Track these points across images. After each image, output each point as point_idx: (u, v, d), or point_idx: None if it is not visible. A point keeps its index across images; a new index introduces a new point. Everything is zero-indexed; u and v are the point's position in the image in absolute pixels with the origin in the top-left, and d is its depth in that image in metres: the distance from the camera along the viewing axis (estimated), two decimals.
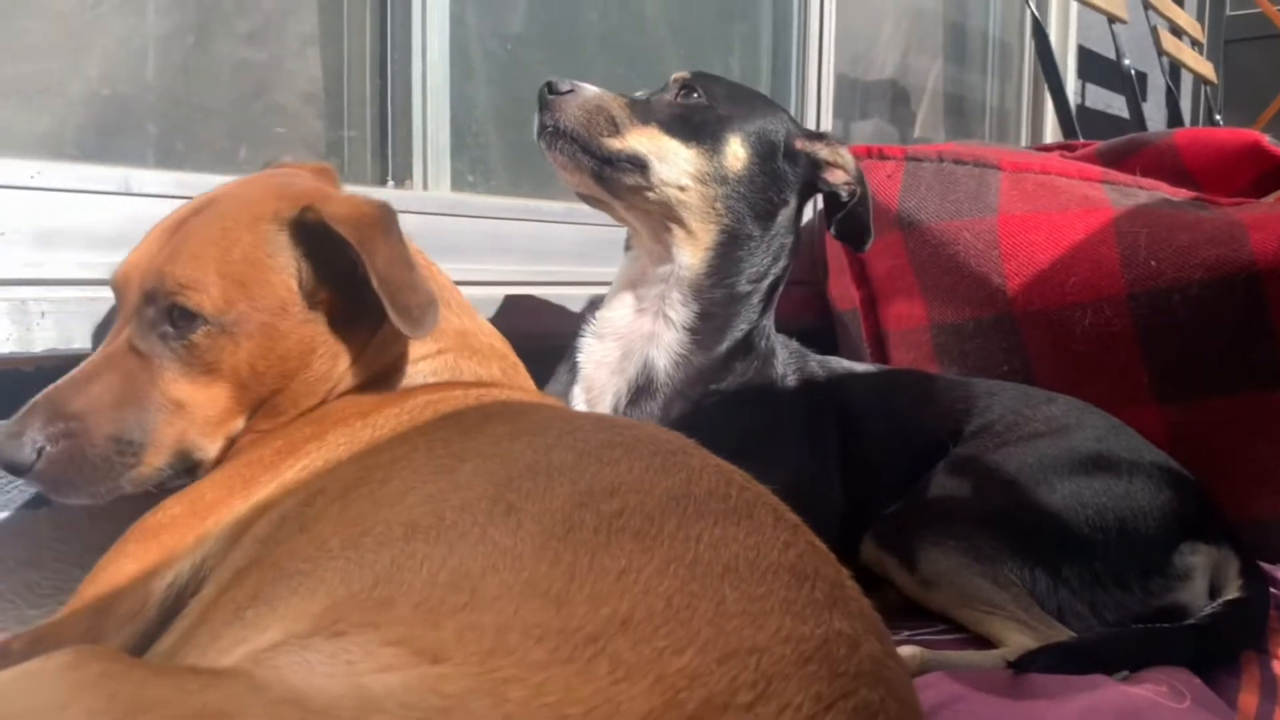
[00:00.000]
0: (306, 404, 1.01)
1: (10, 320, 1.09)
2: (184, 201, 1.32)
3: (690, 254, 1.36)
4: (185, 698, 0.46)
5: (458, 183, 1.73)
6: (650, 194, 1.33)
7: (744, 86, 1.48)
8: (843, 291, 2.09)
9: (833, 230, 1.51)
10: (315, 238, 0.98)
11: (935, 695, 0.95)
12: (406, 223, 1.56)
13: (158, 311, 0.97)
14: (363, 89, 1.66)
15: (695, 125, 1.35)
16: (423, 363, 1.07)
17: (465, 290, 1.62)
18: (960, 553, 1.25)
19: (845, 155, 1.45)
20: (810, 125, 2.46)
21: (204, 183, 1.35)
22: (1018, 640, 1.14)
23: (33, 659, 0.50)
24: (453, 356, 1.08)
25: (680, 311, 1.36)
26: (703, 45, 2.35)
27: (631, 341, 1.37)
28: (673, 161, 1.33)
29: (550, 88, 1.31)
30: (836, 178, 1.45)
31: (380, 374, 1.05)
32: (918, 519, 1.31)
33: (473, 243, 1.66)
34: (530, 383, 1.17)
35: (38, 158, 1.22)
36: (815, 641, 0.52)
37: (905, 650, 1.09)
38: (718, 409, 1.33)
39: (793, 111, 2.47)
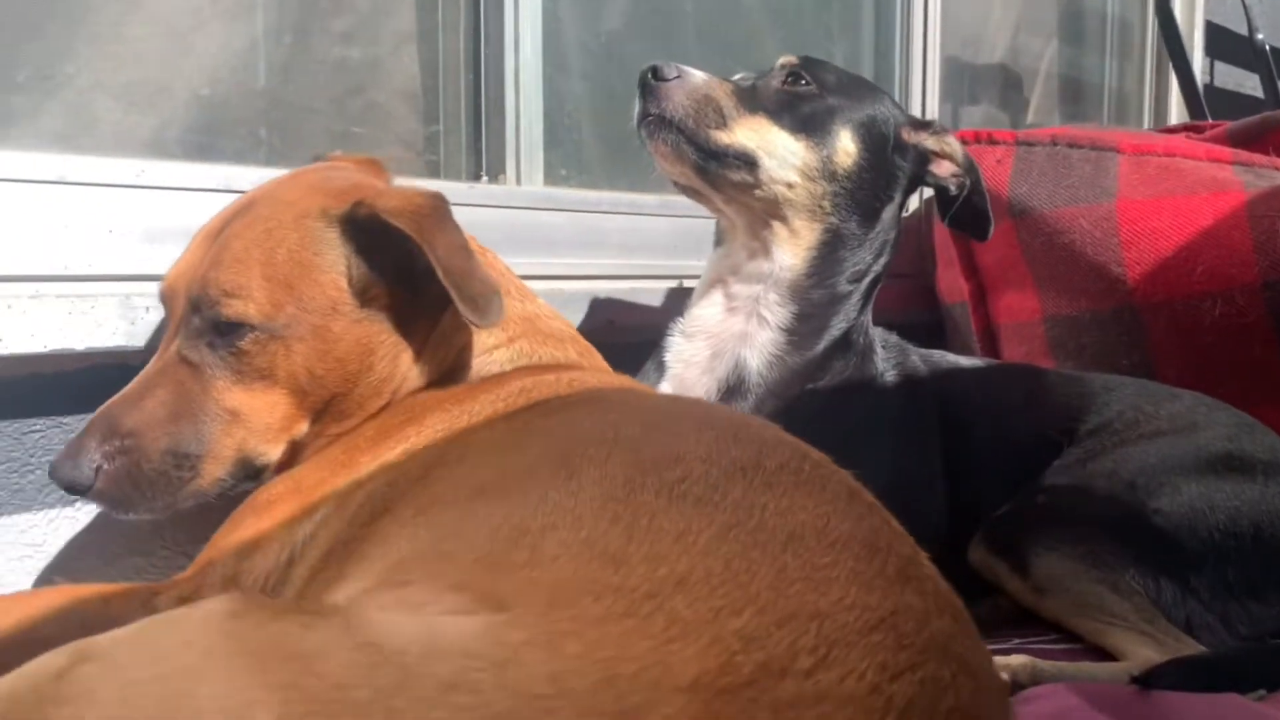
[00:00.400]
0: (374, 405, 0.99)
1: (118, 314, 1.12)
2: None
3: (791, 253, 1.31)
4: (288, 641, 0.47)
5: (551, 176, 1.73)
6: (757, 191, 1.29)
7: (851, 73, 1.42)
8: (951, 283, 2.01)
9: (946, 222, 1.45)
10: (365, 233, 0.95)
11: (1049, 706, 0.90)
12: (498, 218, 1.58)
13: (204, 320, 0.95)
14: (457, 85, 1.67)
15: (804, 116, 1.30)
16: (498, 351, 1.04)
17: (559, 284, 1.62)
18: (1076, 558, 1.18)
19: (954, 144, 1.39)
20: (916, 112, 2.37)
21: None
22: (1141, 653, 1.06)
23: (178, 608, 0.53)
24: (527, 343, 1.05)
25: (777, 312, 1.31)
26: (802, 31, 2.29)
27: (722, 341, 1.32)
28: (781, 157, 1.28)
29: (655, 73, 1.25)
30: (944, 169, 1.40)
31: (447, 370, 1.03)
32: (1030, 522, 1.24)
33: (566, 236, 1.65)
34: (604, 363, 1.14)
35: (145, 157, 1.26)
36: (882, 612, 0.50)
37: (1016, 659, 1.03)
38: (813, 408, 1.28)
39: (897, 98, 2.39)
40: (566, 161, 1.80)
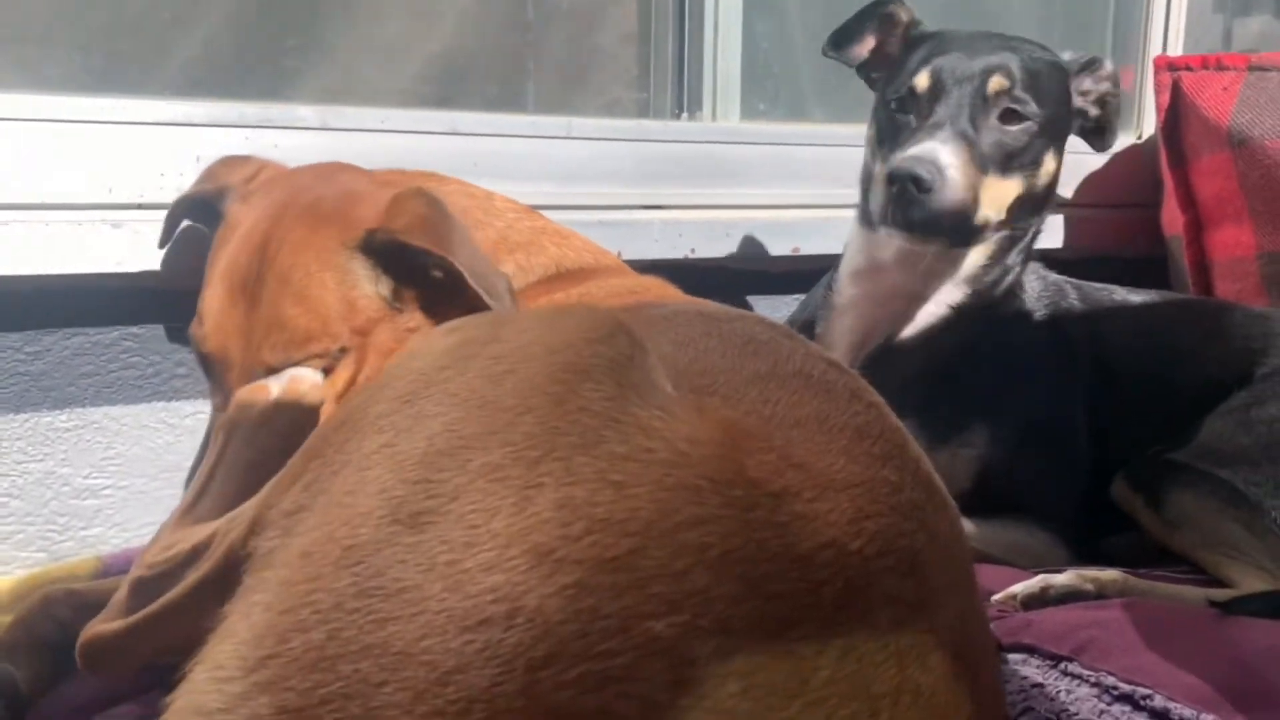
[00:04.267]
0: None
1: None
2: (501, 139, 1.57)
3: (976, 256, 1.33)
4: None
5: (749, 112, 1.84)
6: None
7: (1050, 61, 1.33)
8: (1171, 215, 1.93)
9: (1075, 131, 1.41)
10: (383, 252, 1.02)
11: (1115, 614, 0.95)
12: (691, 152, 1.72)
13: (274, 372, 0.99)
14: (666, 28, 1.81)
15: (1020, 160, 1.28)
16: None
17: (755, 214, 1.74)
18: (1212, 494, 1.18)
19: (1109, 69, 1.37)
20: (1158, 34, 2.23)
21: (511, 123, 1.58)
22: (1252, 587, 1.07)
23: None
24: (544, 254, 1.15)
25: (948, 294, 1.34)
26: None
27: (877, 320, 1.35)
28: (1000, 203, 1.27)
29: (918, 184, 1.17)
30: (1097, 97, 1.38)
31: None
32: (1174, 461, 1.24)
33: (758, 169, 1.76)
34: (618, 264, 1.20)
35: (391, 107, 1.52)
36: (863, 477, 0.63)
37: (1109, 573, 1.08)
38: (952, 356, 1.32)
39: (1140, 19, 2.24)
40: (765, 97, 1.90)
